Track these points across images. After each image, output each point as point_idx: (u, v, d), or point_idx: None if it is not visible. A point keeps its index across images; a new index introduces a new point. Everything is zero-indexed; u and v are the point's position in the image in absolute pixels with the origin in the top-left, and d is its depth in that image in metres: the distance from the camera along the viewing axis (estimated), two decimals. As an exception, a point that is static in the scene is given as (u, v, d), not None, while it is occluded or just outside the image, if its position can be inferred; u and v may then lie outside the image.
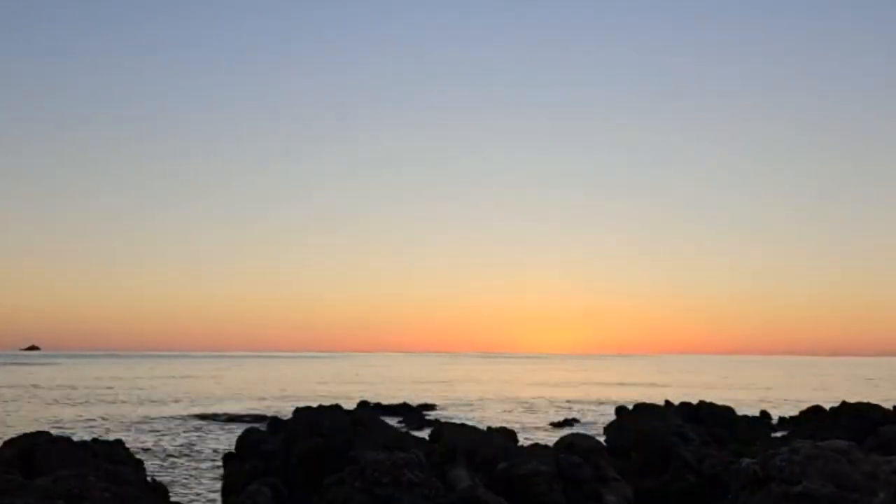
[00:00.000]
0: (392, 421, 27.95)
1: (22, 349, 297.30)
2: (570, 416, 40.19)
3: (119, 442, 15.49)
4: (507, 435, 17.85)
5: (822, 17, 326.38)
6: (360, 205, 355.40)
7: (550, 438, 23.41)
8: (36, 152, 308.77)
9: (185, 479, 20.61)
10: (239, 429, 24.28)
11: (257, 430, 19.03)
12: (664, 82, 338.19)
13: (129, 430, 31.28)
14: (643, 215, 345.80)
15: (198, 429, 32.57)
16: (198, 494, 18.52)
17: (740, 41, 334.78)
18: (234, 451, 18.31)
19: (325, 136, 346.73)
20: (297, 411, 19.30)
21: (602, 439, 17.64)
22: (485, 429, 18.14)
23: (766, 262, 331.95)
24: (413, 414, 40.13)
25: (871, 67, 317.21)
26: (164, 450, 25.94)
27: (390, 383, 76.65)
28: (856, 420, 24.40)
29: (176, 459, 23.87)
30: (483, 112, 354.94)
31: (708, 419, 25.89)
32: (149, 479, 13.56)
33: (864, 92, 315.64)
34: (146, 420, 36.07)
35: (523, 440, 19.89)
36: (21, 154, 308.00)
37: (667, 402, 28.75)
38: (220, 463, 20.23)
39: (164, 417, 37.36)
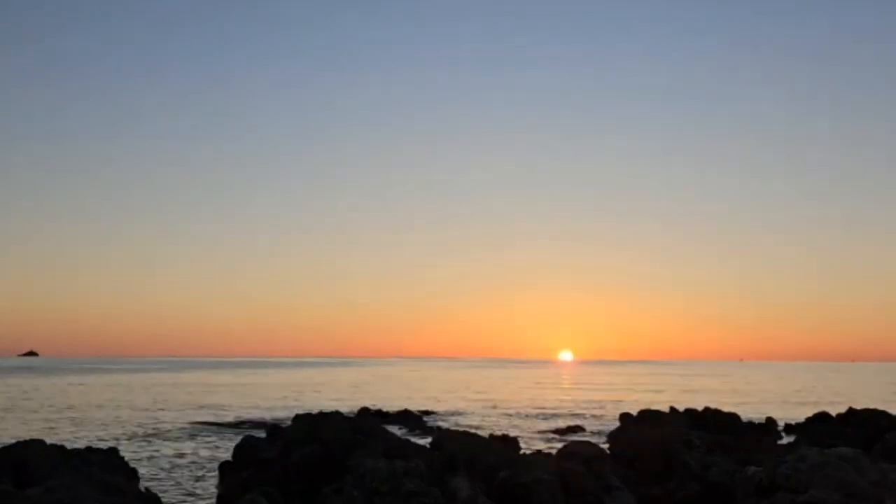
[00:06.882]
0: (393, 428, 27.70)
1: (20, 355, 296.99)
2: (573, 423, 39.88)
3: (113, 450, 15.32)
4: (509, 443, 17.64)
5: (823, 20, 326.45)
6: (371, 211, 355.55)
7: (553, 446, 23.15)
8: (35, 155, 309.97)
9: (181, 488, 20.35)
10: (237, 436, 24.03)
11: (255, 437, 18.79)
12: (672, 89, 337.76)
13: (124, 438, 31.03)
14: (653, 219, 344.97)
15: (194, 436, 32.30)
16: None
17: (757, 42, 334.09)
18: (230, 459, 18.08)
19: (343, 146, 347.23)
20: (297, 418, 19.07)
21: (606, 447, 17.39)
22: (486, 436, 17.92)
23: (779, 267, 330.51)
24: (414, 421, 39.86)
25: (873, 67, 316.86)
26: (160, 458, 25.67)
27: (392, 389, 76.38)
28: (863, 427, 24.15)
29: (171, 468, 23.60)
30: (491, 121, 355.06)
31: (713, 426, 25.64)
32: (142, 488, 13.35)
33: (866, 93, 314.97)
34: (142, 428, 35.82)
35: (525, 448, 19.65)
36: (20, 157, 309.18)
37: (672, 408, 28.51)
38: (216, 471, 19.99)
39: (161, 425, 37.10)
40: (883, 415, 25.35)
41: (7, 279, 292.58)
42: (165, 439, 31.14)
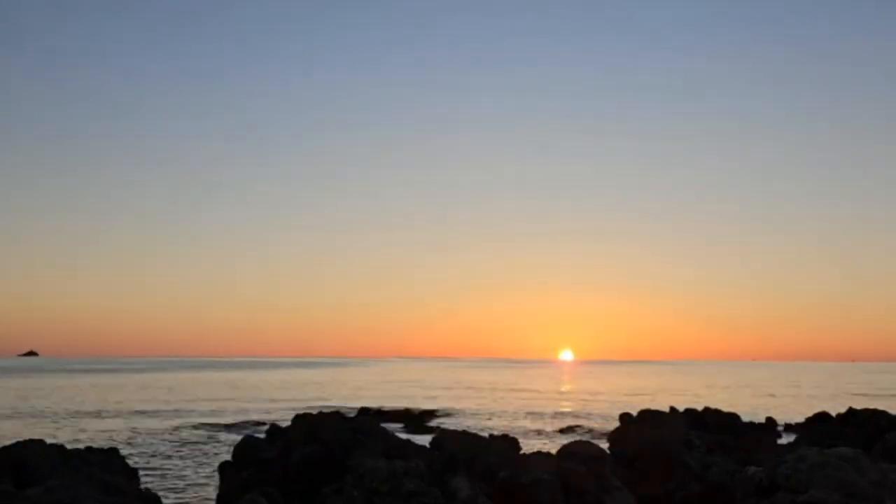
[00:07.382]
0: (393, 428, 27.69)
1: (20, 355, 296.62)
2: (573, 423, 39.89)
3: (113, 450, 15.30)
4: (509, 442, 17.61)
5: (823, 18, 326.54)
6: (371, 211, 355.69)
7: (553, 446, 23.13)
8: (35, 154, 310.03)
9: (181, 488, 20.36)
10: (237, 436, 24.05)
11: (255, 437, 18.76)
12: (677, 87, 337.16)
13: (124, 438, 31.02)
14: (654, 218, 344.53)
15: (194, 436, 32.31)
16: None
17: (763, 44, 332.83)
18: (230, 459, 18.05)
19: (343, 147, 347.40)
20: (297, 418, 19.05)
21: (606, 447, 17.37)
22: (486, 436, 17.90)
23: (785, 267, 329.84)
24: (414, 421, 39.87)
25: (874, 66, 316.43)
26: (160, 458, 25.68)
27: (392, 389, 76.34)
28: (863, 427, 24.14)
29: (171, 468, 23.61)
30: (494, 120, 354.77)
31: (713, 426, 25.64)
32: (142, 488, 13.33)
33: (868, 91, 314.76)
34: (142, 427, 35.82)
35: (526, 447, 19.62)
36: (20, 155, 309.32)
37: (672, 408, 28.48)
38: (216, 471, 19.98)
39: (161, 425, 37.11)
40: (883, 415, 25.34)
41: (7, 279, 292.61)
42: (165, 439, 31.15)
